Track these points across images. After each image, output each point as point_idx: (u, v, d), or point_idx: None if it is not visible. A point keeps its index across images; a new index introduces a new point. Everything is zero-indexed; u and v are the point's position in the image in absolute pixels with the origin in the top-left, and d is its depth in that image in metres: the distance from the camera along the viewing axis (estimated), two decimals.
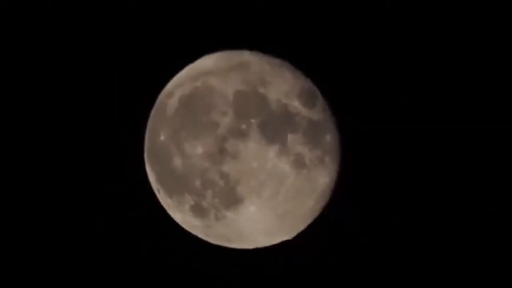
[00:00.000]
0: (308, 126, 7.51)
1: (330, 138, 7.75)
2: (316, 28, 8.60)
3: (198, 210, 7.60)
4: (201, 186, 7.43)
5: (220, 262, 8.64)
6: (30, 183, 8.80)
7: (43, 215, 8.83)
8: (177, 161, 7.47)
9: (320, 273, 8.81)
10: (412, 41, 8.61)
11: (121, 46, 8.73)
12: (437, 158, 8.69)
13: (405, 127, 8.64)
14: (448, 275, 8.76)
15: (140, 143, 8.14)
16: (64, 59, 8.75)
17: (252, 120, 7.30)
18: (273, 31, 8.55)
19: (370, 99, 8.63)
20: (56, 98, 8.78)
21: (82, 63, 8.75)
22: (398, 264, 8.77)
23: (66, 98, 8.78)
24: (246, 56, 7.82)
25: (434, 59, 8.63)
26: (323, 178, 7.73)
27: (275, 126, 7.34)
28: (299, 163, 7.45)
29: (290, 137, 7.37)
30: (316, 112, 7.65)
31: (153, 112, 8.02)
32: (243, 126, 7.29)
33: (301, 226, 8.10)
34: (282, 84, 7.58)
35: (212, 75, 7.58)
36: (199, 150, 7.34)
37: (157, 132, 7.72)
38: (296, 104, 7.51)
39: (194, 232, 8.04)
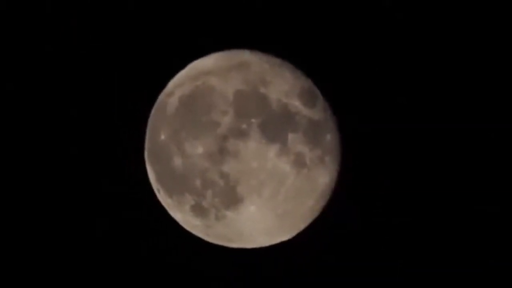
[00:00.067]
0: (309, 125, 7.51)
1: (330, 137, 7.76)
2: (316, 28, 8.60)
3: (198, 210, 7.60)
4: (201, 186, 7.43)
5: (220, 262, 8.64)
6: (30, 183, 8.80)
7: (43, 215, 8.83)
8: (177, 161, 7.47)
9: (320, 273, 8.81)
10: (412, 41, 8.61)
11: (121, 46, 8.73)
12: (437, 158, 8.69)
13: (405, 127, 8.64)
14: (448, 275, 8.76)
15: (140, 143, 8.14)
16: (64, 59, 8.75)
17: (253, 120, 7.30)
18: (273, 31, 8.55)
19: (370, 99, 8.63)
20: (56, 98, 8.78)
21: (82, 63, 8.75)
22: (398, 264, 8.77)
23: (66, 98, 8.78)
24: (246, 56, 7.83)
25: (434, 59, 8.64)
26: (323, 178, 7.73)
27: (276, 125, 7.34)
28: (299, 162, 7.45)
29: (290, 136, 7.37)
30: (317, 112, 7.65)
31: (153, 111, 8.02)
32: (244, 126, 7.29)
33: (301, 226, 8.10)
34: (282, 83, 7.58)
35: (212, 75, 7.58)
36: (199, 149, 7.34)
37: (157, 132, 7.72)
38: (296, 104, 7.52)
39: (194, 232, 8.04)
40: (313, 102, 7.68)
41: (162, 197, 7.95)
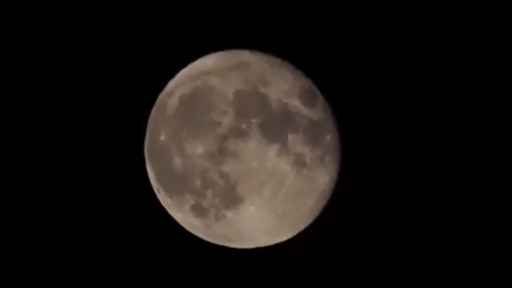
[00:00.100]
0: (309, 125, 7.51)
1: (330, 137, 7.75)
2: (316, 28, 8.60)
3: (198, 210, 7.60)
4: (201, 186, 7.43)
5: (220, 262, 8.64)
6: (30, 183, 8.80)
7: (43, 215, 8.83)
8: (177, 161, 7.47)
9: (320, 273, 8.81)
10: (412, 41, 8.61)
11: (121, 46, 8.73)
12: (437, 158, 8.69)
13: (405, 127, 8.64)
14: (448, 275, 8.76)
15: (140, 143, 8.14)
16: (64, 59, 8.75)
17: (253, 120, 7.30)
18: (273, 31, 8.55)
19: (370, 99, 8.63)
20: (56, 98, 8.78)
21: (82, 63, 8.75)
22: (398, 264, 8.77)
23: (66, 98, 8.78)
24: (246, 56, 7.82)
25: (434, 59, 8.64)
26: (323, 178, 7.73)
27: (276, 125, 7.34)
28: (299, 162, 7.45)
29: (290, 136, 7.37)
30: (317, 112, 7.65)
31: (153, 111, 8.02)
32: (244, 126, 7.29)
33: (301, 226, 8.10)
34: (282, 83, 7.58)
35: (212, 75, 7.58)
36: (199, 150, 7.34)
37: (157, 132, 7.72)
38: (296, 104, 7.51)
39: (194, 232, 8.03)
40: (313, 102, 7.68)
41: (162, 197, 7.95)
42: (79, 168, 8.79)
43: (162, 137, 7.63)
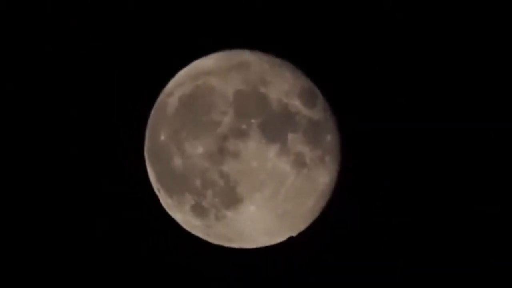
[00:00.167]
0: (309, 125, 7.51)
1: (330, 137, 7.75)
2: (316, 28, 8.60)
3: (199, 210, 7.60)
4: (201, 186, 7.43)
5: (220, 262, 8.64)
6: (30, 183, 8.80)
7: (43, 215, 8.83)
8: (177, 161, 7.47)
9: (320, 273, 8.80)
10: (412, 41, 8.61)
11: (121, 46, 8.73)
12: (437, 158, 8.69)
13: (405, 127, 8.64)
14: (448, 275, 8.75)
15: (140, 143, 8.14)
16: (64, 59, 8.75)
17: (253, 120, 7.30)
18: (273, 31, 8.55)
19: (370, 99, 8.63)
20: (56, 98, 8.78)
21: (82, 63, 8.75)
22: (398, 264, 8.77)
23: (66, 98, 8.78)
24: (246, 55, 7.82)
25: (434, 59, 8.64)
26: (323, 178, 7.73)
27: (276, 125, 7.34)
28: (299, 162, 7.45)
29: (290, 136, 7.37)
30: (317, 112, 7.65)
31: (153, 111, 8.02)
32: (244, 126, 7.29)
33: (301, 226, 8.10)
34: (282, 83, 7.58)
35: (212, 75, 7.58)
36: (199, 150, 7.34)
37: (158, 132, 7.72)
38: (296, 104, 7.51)
39: (195, 232, 8.03)
40: (313, 102, 7.68)
41: (162, 197, 7.95)
42: (79, 168, 8.79)
43: (162, 137, 7.63)
